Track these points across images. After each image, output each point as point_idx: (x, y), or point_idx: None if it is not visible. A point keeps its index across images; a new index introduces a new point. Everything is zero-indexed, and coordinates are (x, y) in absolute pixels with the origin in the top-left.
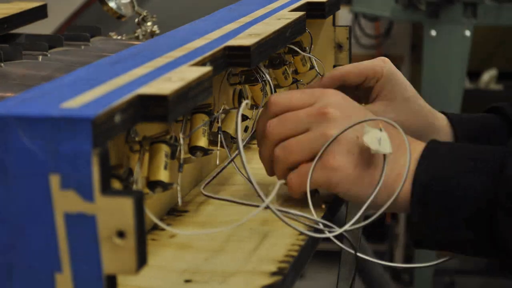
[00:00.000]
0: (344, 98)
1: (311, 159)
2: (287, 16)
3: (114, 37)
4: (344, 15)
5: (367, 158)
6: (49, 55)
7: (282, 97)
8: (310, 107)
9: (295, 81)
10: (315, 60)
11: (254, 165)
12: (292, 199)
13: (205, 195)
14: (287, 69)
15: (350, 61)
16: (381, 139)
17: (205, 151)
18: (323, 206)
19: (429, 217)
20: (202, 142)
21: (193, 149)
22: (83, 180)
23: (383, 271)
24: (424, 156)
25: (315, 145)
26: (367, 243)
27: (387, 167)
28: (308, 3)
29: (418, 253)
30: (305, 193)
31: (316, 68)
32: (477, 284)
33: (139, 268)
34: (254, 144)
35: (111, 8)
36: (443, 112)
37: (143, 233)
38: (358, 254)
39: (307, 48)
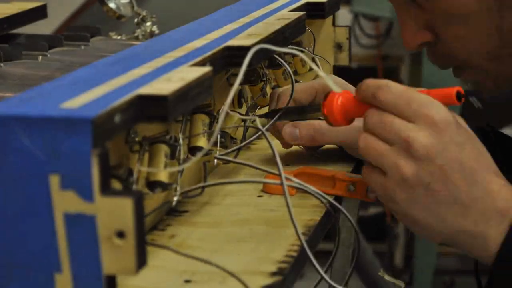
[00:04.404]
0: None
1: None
2: (287, 16)
3: (114, 37)
4: (344, 15)
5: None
6: (49, 55)
7: (393, 92)
8: (404, 125)
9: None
10: (318, 59)
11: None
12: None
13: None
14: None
15: (350, 61)
16: None
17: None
18: None
19: None
20: (202, 142)
21: (193, 149)
22: (83, 180)
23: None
24: None
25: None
26: (367, 243)
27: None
28: (308, 3)
29: (418, 253)
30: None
31: (320, 67)
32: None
33: (139, 268)
34: (255, 144)
35: (111, 8)
36: None
37: (143, 233)
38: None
39: (307, 48)
